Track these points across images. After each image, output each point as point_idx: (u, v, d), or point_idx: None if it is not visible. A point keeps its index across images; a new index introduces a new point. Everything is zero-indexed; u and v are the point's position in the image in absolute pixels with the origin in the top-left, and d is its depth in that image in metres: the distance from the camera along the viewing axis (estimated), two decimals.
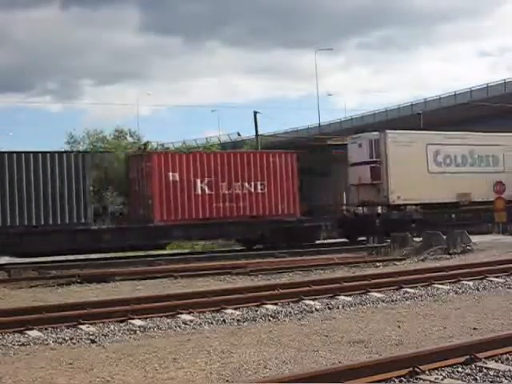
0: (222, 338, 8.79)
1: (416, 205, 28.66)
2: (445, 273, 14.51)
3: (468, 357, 6.73)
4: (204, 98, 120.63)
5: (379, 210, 28.90)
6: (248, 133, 52.79)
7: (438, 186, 28.51)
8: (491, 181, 29.28)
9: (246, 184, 25.22)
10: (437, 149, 29.36)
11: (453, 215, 29.53)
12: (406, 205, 28.54)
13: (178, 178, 24.17)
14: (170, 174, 24.12)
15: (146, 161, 24.72)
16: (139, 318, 10.20)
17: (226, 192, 24.83)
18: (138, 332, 9.54)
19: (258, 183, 25.47)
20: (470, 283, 13.37)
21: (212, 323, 10.06)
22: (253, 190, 25.32)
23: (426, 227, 28.31)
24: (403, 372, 6.29)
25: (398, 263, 18.89)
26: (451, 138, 30.16)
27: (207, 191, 24.55)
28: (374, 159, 28.38)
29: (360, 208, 30.06)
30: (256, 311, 10.84)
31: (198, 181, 24.47)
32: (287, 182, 25.98)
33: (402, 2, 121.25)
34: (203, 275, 16.92)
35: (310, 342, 8.32)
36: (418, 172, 28.21)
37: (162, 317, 10.39)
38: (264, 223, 25.44)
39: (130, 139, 40.73)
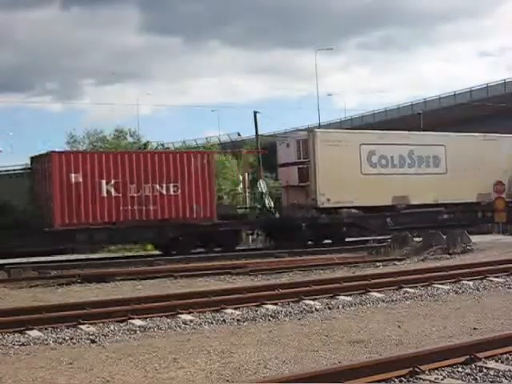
0: (222, 338, 8.80)
1: (348, 208, 26.78)
2: (445, 273, 14.51)
3: (468, 357, 6.73)
4: (204, 97, 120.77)
5: (307, 213, 26.67)
6: (248, 133, 52.88)
7: (372, 188, 26.79)
8: (431, 183, 28.01)
9: (157, 186, 23.76)
10: (371, 149, 27.46)
11: (388, 219, 27.42)
12: (336, 208, 26.70)
13: (81, 180, 22.77)
14: (73, 175, 22.71)
15: (47, 161, 23.35)
16: (139, 318, 10.21)
17: (135, 194, 23.41)
18: (137, 332, 9.54)
19: (171, 185, 23.94)
20: (470, 283, 13.37)
21: (212, 323, 10.06)
22: (164, 192, 23.85)
23: (359, 232, 27.42)
24: (403, 372, 6.30)
25: (398, 263, 18.89)
26: (388, 138, 28.57)
27: (114, 193, 23.14)
28: (302, 160, 26.72)
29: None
30: (256, 311, 10.84)
31: (104, 182, 23.07)
32: (203, 183, 24.41)
33: (402, 2, 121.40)
34: (203, 275, 16.92)
35: (310, 342, 8.32)
36: (350, 173, 26.53)
37: (162, 317, 10.40)
38: (176, 227, 24.07)
39: (130, 139, 40.78)
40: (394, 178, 27.59)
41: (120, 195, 23.28)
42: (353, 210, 26.96)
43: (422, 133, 30.65)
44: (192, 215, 24.28)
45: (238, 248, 25.55)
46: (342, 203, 26.60)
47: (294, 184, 27.14)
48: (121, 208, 23.28)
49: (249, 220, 26.75)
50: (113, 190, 23.23)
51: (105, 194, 23.11)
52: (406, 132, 30.17)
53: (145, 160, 23.94)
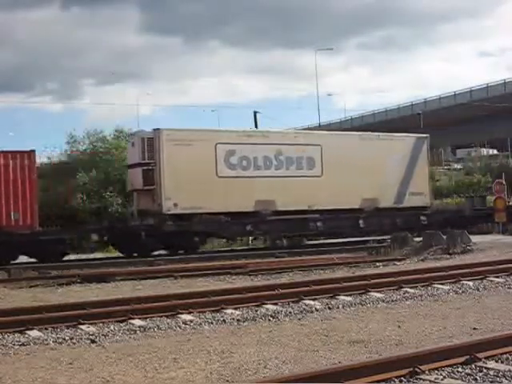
0: (222, 338, 8.80)
1: (202, 214, 23.76)
2: (445, 273, 14.50)
3: (468, 357, 6.72)
4: (204, 97, 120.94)
5: (153, 220, 23.71)
6: None
7: (230, 192, 23.98)
8: (304, 187, 25.02)
9: None
10: (230, 149, 24.47)
11: (248, 226, 24.54)
12: (187, 214, 23.71)
13: None
14: None
15: None
16: (139, 318, 10.20)
17: None
18: (138, 332, 9.54)
19: None
20: (470, 283, 13.37)
21: (212, 323, 10.06)
22: None
23: (216, 240, 25.19)
24: (403, 372, 6.29)
25: (398, 263, 18.88)
26: (251, 137, 25.45)
27: None
28: (147, 161, 23.68)
29: None
30: (256, 311, 10.84)
31: None
32: (22, 187, 21.53)
33: (402, 2, 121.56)
34: (203, 275, 16.92)
35: (310, 342, 8.32)
36: (203, 176, 23.69)
37: (162, 317, 10.39)
38: None
39: None
40: (258, 181, 24.62)
41: None
42: (218, 218, 24.02)
43: (293, 131, 27.76)
44: (10, 222, 21.44)
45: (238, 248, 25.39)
46: (193, 209, 23.69)
47: (138, 187, 24.10)
48: None
49: (78, 228, 24.09)
50: None
51: None
52: (274, 130, 26.84)
53: None
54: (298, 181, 25.22)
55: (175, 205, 23.42)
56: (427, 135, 29.28)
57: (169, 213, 23.49)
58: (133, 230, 23.32)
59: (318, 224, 25.61)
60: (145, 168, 23.77)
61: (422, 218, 27.74)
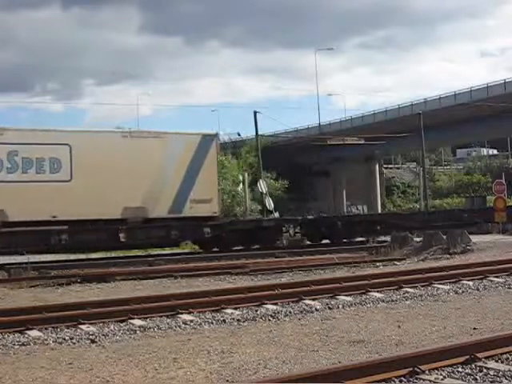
0: (222, 338, 8.79)
1: None
2: (445, 273, 14.51)
3: (468, 357, 6.72)
4: (205, 97, 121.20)
5: None
6: (249, 133, 52.93)
7: None
8: (47, 194, 21.99)
9: None
10: None
11: None
12: None
13: None
14: None
15: None
16: (139, 318, 10.20)
17: None
18: (137, 332, 9.53)
19: None
20: (470, 283, 13.37)
21: (212, 323, 10.05)
22: None
23: None
24: (403, 372, 6.29)
25: (398, 263, 18.89)
26: None
27: None
28: None
29: None
30: (256, 311, 10.83)
31: None
32: None
33: (403, 2, 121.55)
34: (203, 275, 16.93)
35: (309, 342, 8.32)
36: None
37: (162, 317, 10.39)
38: None
39: None
40: None
41: None
42: None
43: (32, 128, 23.95)
44: None
45: (237, 248, 25.34)
46: None
47: None
48: None
49: None
50: None
51: None
52: (7, 127, 23.01)
53: None
54: (38, 187, 22.05)
55: None
56: (216, 132, 26.19)
57: None
58: None
59: (63, 237, 22.23)
60: None
61: (206, 229, 24.40)
